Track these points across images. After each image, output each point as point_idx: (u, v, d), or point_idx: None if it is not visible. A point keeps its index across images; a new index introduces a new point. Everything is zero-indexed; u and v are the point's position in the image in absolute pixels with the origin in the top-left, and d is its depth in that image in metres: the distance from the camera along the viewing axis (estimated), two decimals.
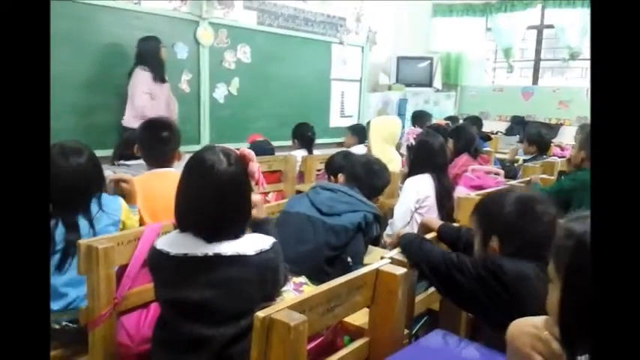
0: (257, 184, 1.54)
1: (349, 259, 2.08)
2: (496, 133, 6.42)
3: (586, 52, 6.23)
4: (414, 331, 1.92)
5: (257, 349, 1.12)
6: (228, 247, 1.39)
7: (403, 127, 4.50)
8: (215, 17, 4.87)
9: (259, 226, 1.61)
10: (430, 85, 6.81)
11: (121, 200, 1.95)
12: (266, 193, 3.71)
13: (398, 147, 3.97)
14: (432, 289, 1.82)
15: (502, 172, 3.27)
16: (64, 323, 1.76)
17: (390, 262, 1.51)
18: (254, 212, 1.56)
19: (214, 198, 1.40)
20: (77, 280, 1.70)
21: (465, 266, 1.42)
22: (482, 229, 1.52)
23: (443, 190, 2.75)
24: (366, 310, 1.48)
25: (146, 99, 3.93)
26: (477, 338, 1.48)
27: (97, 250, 1.56)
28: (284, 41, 5.52)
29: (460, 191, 2.90)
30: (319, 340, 1.52)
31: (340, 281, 1.33)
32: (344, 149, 3.92)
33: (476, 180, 3.11)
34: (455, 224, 2.03)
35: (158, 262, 1.45)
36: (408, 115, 6.18)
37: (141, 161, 2.57)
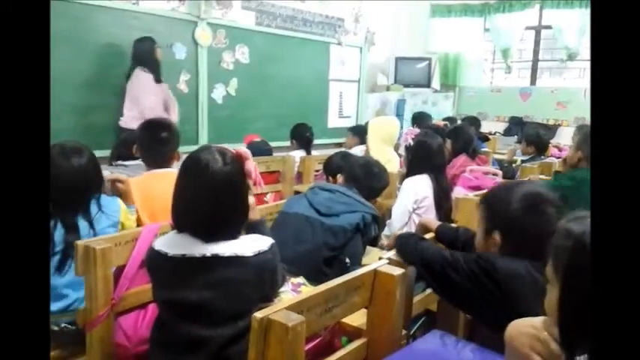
0: (255, 184, 1.54)
1: (347, 260, 2.08)
2: (494, 134, 6.42)
3: (584, 52, 6.24)
4: (411, 332, 1.91)
5: (255, 349, 1.12)
6: (226, 248, 1.39)
7: (401, 127, 4.50)
8: (213, 17, 4.87)
9: (254, 228, 1.61)
10: (428, 85, 6.81)
11: (119, 201, 1.95)
12: (264, 194, 3.71)
13: (396, 147, 3.97)
14: (429, 290, 1.82)
15: (500, 172, 3.27)
16: (62, 325, 1.75)
17: (388, 263, 1.51)
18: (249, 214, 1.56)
19: (210, 197, 1.40)
20: (77, 282, 1.69)
21: (459, 264, 1.41)
22: (486, 220, 1.50)
23: (441, 190, 2.76)
24: (364, 310, 1.48)
25: (153, 100, 3.94)
26: (473, 338, 1.48)
27: (94, 251, 1.55)
28: (282, 42, 5.52)
29: (458, 192, 2.91)
30: (317, 340, 1.52)
31: (338, 282, 1.33)
32: (342, 150, 3.92)
33: (474, 180, 3.11)
34: (453, 225, 2.03)
35: (156, 263, 1.45)
36: (407, 115, 6.19)
37: (138, 162, 2.56)
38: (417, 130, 2.98)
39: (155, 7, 4.46)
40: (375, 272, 1.43)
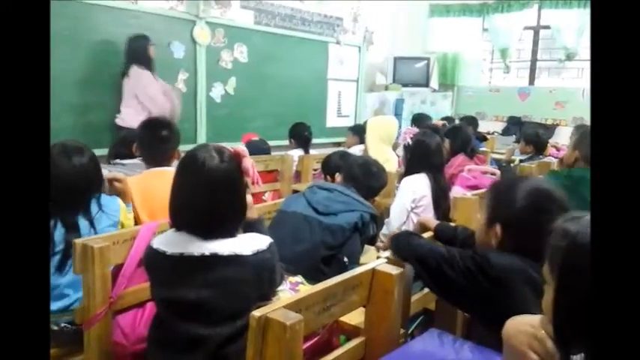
0: (253, 182, 1.54)
1: (345, 259, 2.09)
2: (492, 134, 6.43)
3: (582, 52, 6.25)
4: (409, 331, 1.92)
5: (253, 348, 1.12)
6: (224, 247, 1.39)
7: (400, 126, 4.51)
8: (212, 16, 4.86)
9: (252, 227, 1.61)
10: (427, 85, 6.81)
11: (119, 201, 1.95)
12: (262, 193, 3.71)
13: (395, 147, 3.98)
14: (427, 289, 1.82)
15: (498, 172, 3.27)
16: (62, 324, 1.75)
17: (386, 262, 1.51)
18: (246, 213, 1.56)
19: (207, 195, 1.40)
20: (78, 282, 1.69)
21: (454, 260, 1.41)
22: (489, 210, 1.48)
23: (439, 189, 2.76)
24: (362, 309, 1.48)
25: (160, 94, 3.97)
26: (471, 337, 1.48)
27: (92, 249, 1.55)
28: (281, 41, 5.51)
29: (456, 191, 2.91)
30: (315, 339, 1.52)
31: (336, 281, 1.33)
32: (341, 149, 3.92)
33: (472, 180, 3.12)
34: (451, 224, 2.03)
35: (154, 262, 1.45)
36: (405, 115, 6.19)
37: (137, 160, 2.56)
38: (415, 130, 2.98)
39: (154, 6, 4.45)
40: (373, 271, 1.43)
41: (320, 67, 6.05)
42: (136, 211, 2.07)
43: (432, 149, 2.81)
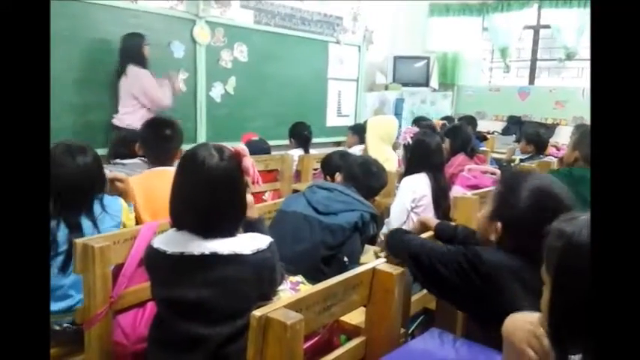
0: (253, 182, 1.54)
1: (345, 259, 2.09)
2: (492, 133, 6.43)
3: (582, 52, 6.25)
4: (410, 330, 1.92)
5: (253, 348, 1.12)
6: (224, 246, 1.39)
7: (400, 126, 4.51)
8: (212, 16, 4.86)
9: (252, 226, 1.61)
10: (427, 84, 6.81)
11: (121, 201, 1.95)
12: (262, 192, 3.71)
13: (395, 147, 3.98)
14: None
15: (498, 171, 3.27)
16: (64, 325, 1.75)
17: (386, 261, 1.51)
18: (247, 212, 1.56)
19: (207, 193, 1.40)
20: (81, 282, 1.69)
21: (446, 257, 1.41)
22: (492, 207, 1.46)
23: (439, 189, 2.76)
24: (362, 309, 1.48)
25: (160, 94, 3.96)
26: (468, 334, 1.48)
27: (93, 249, 1.55)
28: (281, 40, 5.51)
29: (456, 191, 2.91)
30: (315, 339, 1.52)
31: (337, 280, 1.33)
32: (340, 149, 3.92)
33: (472, 179, 3.12)
34: (451, 223, 2.03)
35: (155, 261, 1.45)
36: (405, 114, 6.19)
37: (137, 160, 2.56)
38: (415, 129, 2.98)
39: (153, 6, 4.45)
40: (374, 271, 1.44)
41: (320, 67, 6.05)
42: (137, 210, 2.07)
43: (432, 149, 2.81)
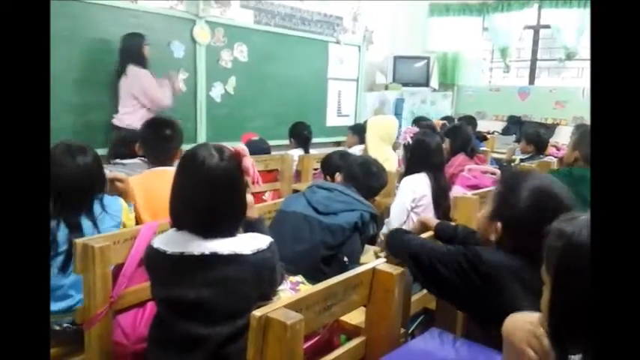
0: (253, 182, 1.54)
1: (345, 259, 2.09)
2: (492, 133, 6.43)
3: (582, 52, 6.24)
4: (410, 330, 1.92)
5: (253, 348, 1.12)
6: (224, 246, 1.39)
7: (400, 126, 4.51)
8: (212, 16, 4.86)
9: (252, 226, 1.61)
10: (427, 84, 6.81)
11: (121, 201, 1.95)
12: (263, 192, 3.71)
13: (395, 147, 3.98)
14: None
15: (498, 171, 3.27)
16: (65, 325, 1.75)
17: (386, 261, 1.51)
18: (247, 212, 1.56)
19: (207, 193, 1.40)
20: (81, 282, 1.69)
21: (446, 257, 1.40)
22: (493, 207, 1.46)
23: (439, 189, 2.76)
24: (362, 309, 1.48)
25: (160, 94, 3.96)
26: (467, 334, 1.48)
27: (93, 249, 1.55)
28: (281, 40, 5.51)
29: (457, 191, 2.91)
30: (316, 339, 1.52)
31: (337, 280, 1.33)
32: (340, 149, 3.92)
33: (472, 179, 3.12)
34: (452, 223, 2.03)
35: (155, 261, 1.45)
36: (405, 114, 6.19)
37: (137, 160, 2.56)
38: (415, 129, 2.98)
39: (153, 6, 4.45)
40: (374, 270, 1.44)
41: (320, 67, 6.05)
42: (137, 210, 2.07)
43: (432, 149, 2.81)
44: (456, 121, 4.96)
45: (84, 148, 1.83)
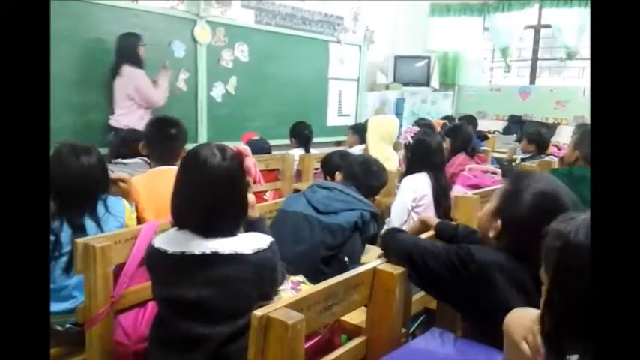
0: (254, 181, 1.54)
1: (346, 259, 2.08)
2: (493, 133, 6.43)
3: (583, 51, 6.24)
4: (411, 330, 1.92)
5: (254, 347, 1.12)
6: (225, 245, 1.39)
7: (401, 126, 4.51)
8: (212, 16, 4.86)
9: (253, 226, 1.61)
10: (428, 84, 6.81)
11: (124, 202, 1.95)
12: (263, 192, 3.71)
13: (397, 148, 3.98)
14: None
15: (499, 171, 3.27)
16: (67, 325, 1.76)
17: (387, 261, 1.51)
18: (248, 212, 1.56)
19: (208, 192, 1.40)
20: None
21: (439, 255, 1.40)
22: (496, 204, 1.45)
23: (440, 189, 2.76)
24: (363, 308, 1.48)
25: (155, 94, 3.95)
26: (464, 334, 1.48)
27: (94, 249, 1.55)
28: (281, 40, 5.51)
29: (457, 190, 2.91)
30: (317, 338, 1.52)
31: (337, 280, 1.33)
32: (341, 149, 3.92)
33: (473, 179, 3.12)
34: (453, 222, 2.03)
35: (155, 260, 1.45)
36: (406, 114, 6.19)
37: (138, 160, 2.57)
38: (416, 129, 2.98)
39: (154, 5, 4.45)
40: (375, 270, 1.43)
41: (321, 66, 6.05)
42: (138, 210, 2.07)
43: (433, 148, 2.81)
44: (456, 121, 4.96)
45: (89, 149, 1.83)
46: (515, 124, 6.64)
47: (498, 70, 7.24)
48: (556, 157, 4.11)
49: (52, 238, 1.74)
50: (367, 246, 2.30)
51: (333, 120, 6.32)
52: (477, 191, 2.38)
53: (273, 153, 4.13)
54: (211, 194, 1.41)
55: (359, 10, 6.42)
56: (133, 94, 3.87)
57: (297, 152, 4.17)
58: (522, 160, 4.29)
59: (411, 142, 2.84)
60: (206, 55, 4.86)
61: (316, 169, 3.96)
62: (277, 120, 5.37)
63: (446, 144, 3.44)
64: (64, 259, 1.73)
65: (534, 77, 6.92)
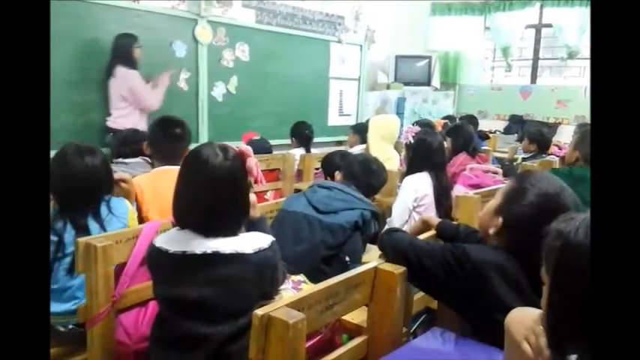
0: (256, 181, 1.54)
1: (347, 258, 2.08)
2: (494, 132, 6.42)
3: (584, 51, 6.24)
4: (412, 330, 1.92)
5: (255, 346, 1.12)
6: (226, 245, 1.39)
7: (402, 125, 4.51)
8: (213, 15, 4.87)
9: (255, 225, 1.61)
10: (429, 83, 6.81)
11: (127, 203, 1.95)
12: (264, 192, 3.71)
13: (399, 148, 3.98)
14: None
15: (500, 170, 3.27)
16: (70, 326, 1.76)
17: (388, 261, 1.51)
18: (250, 211, 1.56)
19: (210, 192, 1.40)
20: None
21: (434, 254, 1.40)
22: (499, 201, 1.45)
23: (441, 188, 2.76)
24: (364, 308, 1.48)
25: (150, 96, 3.94)
26: (463, 333, 1.48)
27: (95, 248, 1.55)
28: (282, 40, 5.51)
29: (458, 190, 2.91)
30: (318, 338, 1.52)
31: (339, 279, 1.33)
32: (341, 148, 3.92)
33: (474, 179, 3.11)
34: (454, 222, 2.03)
35: (157, 260, 1.45)
36: (407, 113, 6.19)
37: (139, 159, 2.57)
38: (417, 128, 2.98)
39: (155, 5, 4.45)
40: (376, 270, 1.43)
41: (321, 66, 6.05)
42: (142, 211, 2.07)
43: (434, 148, 2.81)
44: (457, 121, 4.95)
45: (93, 150, 1.84)
46: (517, 124, 6.64)
47: (499, 70, 7.24)
48: (557, 156, 4.11)
49: (56, 239, 1.74)
50: (368, 245, 2.30)
51: (334, 120, 6.32)
52: (478, 191, 2.38)
53: (274, 153, 4.13)
54: (213, 194, 1.41)
55: (360, 10, 6.42)
56: (127, 95, 3.86)
57: (298, 152, 4.17)
58: (523, 159, 4.29)
59: (412, 141, 2.84)
60: (207, 54, 4.86)
61: (317, 168, 3.96)
62: (278, 120, 5.37)
63: (447, 143, 3.43)
64: (68, 260, 1.73)
65: (535, 77, 6.91)
